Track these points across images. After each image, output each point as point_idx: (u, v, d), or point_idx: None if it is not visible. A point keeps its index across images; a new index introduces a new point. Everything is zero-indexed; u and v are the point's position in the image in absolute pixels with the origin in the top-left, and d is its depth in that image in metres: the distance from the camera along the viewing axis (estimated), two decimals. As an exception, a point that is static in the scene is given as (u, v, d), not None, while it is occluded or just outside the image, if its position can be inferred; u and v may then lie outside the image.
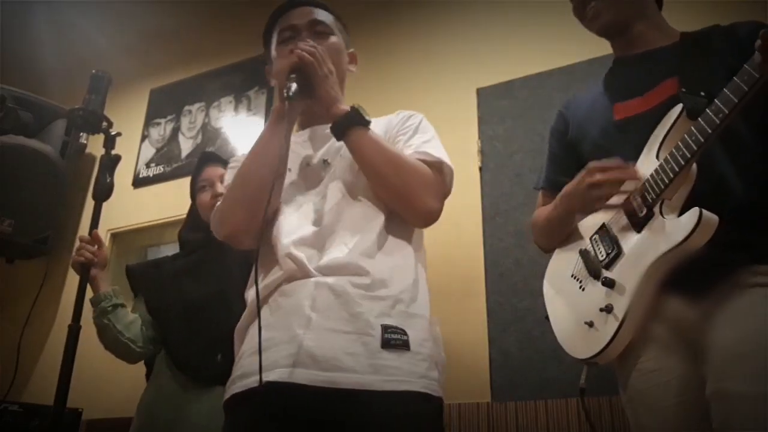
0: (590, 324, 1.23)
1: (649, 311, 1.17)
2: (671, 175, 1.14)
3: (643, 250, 1.17)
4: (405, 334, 1.10)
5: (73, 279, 2.20)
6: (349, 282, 1.13)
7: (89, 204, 1.76)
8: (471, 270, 2.31)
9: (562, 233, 1.41)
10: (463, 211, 2.40)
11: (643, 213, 1.18)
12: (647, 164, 1.22)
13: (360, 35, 3.21)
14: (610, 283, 1.20)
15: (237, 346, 1.25)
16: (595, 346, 1.20)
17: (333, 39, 1.40)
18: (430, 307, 1.21)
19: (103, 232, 3.15)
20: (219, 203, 1.30)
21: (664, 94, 1.27)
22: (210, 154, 2.06)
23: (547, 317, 1.40)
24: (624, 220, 1.23)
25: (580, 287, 1.31)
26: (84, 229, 1.89)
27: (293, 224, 1.24)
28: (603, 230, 1.28)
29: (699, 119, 1.10)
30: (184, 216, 2.05)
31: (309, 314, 1.11)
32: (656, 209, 1.17)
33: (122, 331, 1.83)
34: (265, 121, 3.14)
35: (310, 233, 1.21)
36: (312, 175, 1.32)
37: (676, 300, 1.16)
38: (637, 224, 1.20)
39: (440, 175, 1.27)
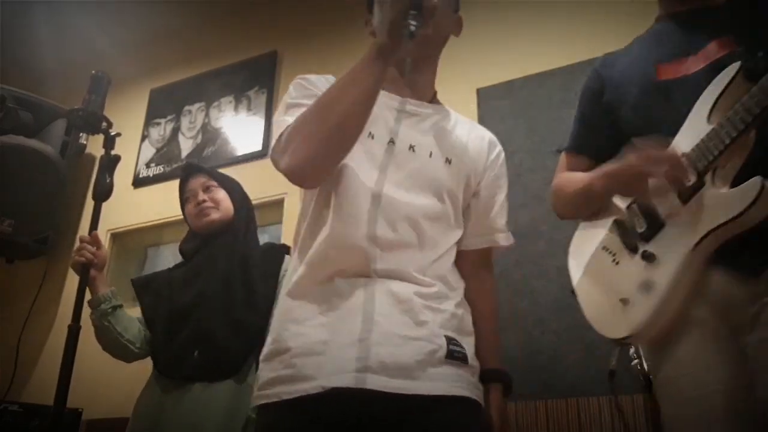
0: (625, 301, 1.14)
1: (692, 289, 1.07)
2: (727, 141, 1.02)
3: (690, 222, 1.06)
4: (463, 348, 1.10)
5: (72, 279, 2.20)
6: (412, 291, 1.10)
7: (89, 204, 1.75)
8: (471, 270, 2.31)
9: (594, 208, 1.30)
10: (463, 211, 2.40)
11: (692, 182, 1.07)
12: (696, 128, 1.10)
13: (360, 36, 3.21)
14: (650, 257, 1.11)
15: (274, 333, 1.15)
16: (631, 324, 1.12)
17: None
18: None
19: (103, 232, 3.15)
20: (287, 131, 1.13)
21: (715, 54, 1.15)
22: (192, 166, 2.08)
23: (572, 291, 1.30)
24: (667, 188, 1.11)
25: (614, 261, 1.21)
26: (84, 229, 1.89)
27: (365, 210, 1.12)
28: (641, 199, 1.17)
29: (764, 79, 0.98)
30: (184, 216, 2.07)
31: (374, 317, 1.06)
32: (707, 178, 1.06)
33: (122, 333, 1.85)
34: (265, 121, 3.15)
35: (380, 229, 1.12)
36: (395, 157, 1.19)
37: (724, 278, 1.05)
38: (684, 193, 1.08)
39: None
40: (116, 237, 3.30)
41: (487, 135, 1.34)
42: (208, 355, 1.74)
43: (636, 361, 1.57)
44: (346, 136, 1.10)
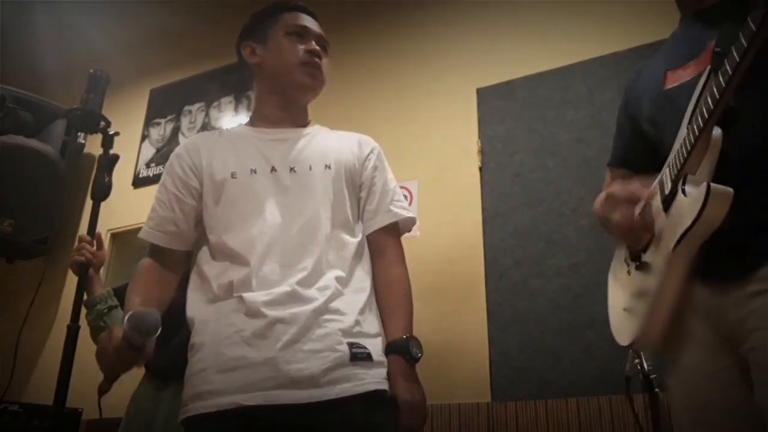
0: (629, 310, 1.20)
1: (679, 293, 1.09)
2: (689, 147, 1.03)
3: (667, 231, 1.08)
4: (366, 348, 1.23)
5: (72, 279, 2.20)
6: (316, 305, 1.23)
7: (89, 204, 1.75)
8: (471, 270, 2.31)
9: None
10: (463, 211, 2.40)
11: (668, 191, 1.08)
12: (680, 136, 1.10)
13: (361, 35, 3.21)
14: (645, 266, 1.16)
15: (194, 341, 1.30)
16: (632, 331, 1.16)
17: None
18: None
19: (103, 232, 3.14)
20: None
21: (708, 56, 1.11)
22: None
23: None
24: (658, 198, 1.13)
25: (628, 272, 1.25)
26: (84, 229, 1.88)
27: (260, 234, 1.29)
28: (644, 211, 1.18)
29: (712, 83, 0.98)
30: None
31: (281, 337, 1.18)
32: (679, 186, 1.05)
33: None
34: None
35: (279, 249, 1.28)
36: (280, 182, 1.36)
37: (705, 291, 1.07)
38: (665, 202, 1.10)
39: (398, 238, 1.44)
40: (116, 237, 3.30)
41: (358, 136, 1.52)
42: None
43: (637, 360, 1.59)
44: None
